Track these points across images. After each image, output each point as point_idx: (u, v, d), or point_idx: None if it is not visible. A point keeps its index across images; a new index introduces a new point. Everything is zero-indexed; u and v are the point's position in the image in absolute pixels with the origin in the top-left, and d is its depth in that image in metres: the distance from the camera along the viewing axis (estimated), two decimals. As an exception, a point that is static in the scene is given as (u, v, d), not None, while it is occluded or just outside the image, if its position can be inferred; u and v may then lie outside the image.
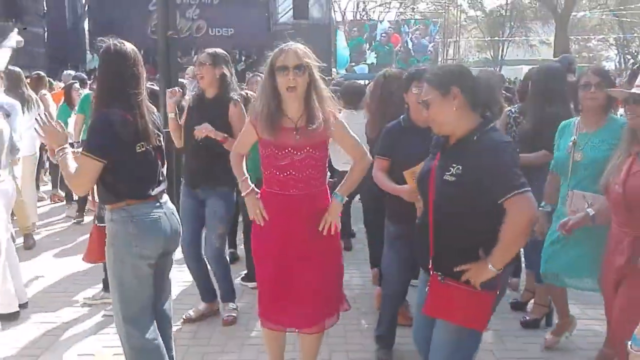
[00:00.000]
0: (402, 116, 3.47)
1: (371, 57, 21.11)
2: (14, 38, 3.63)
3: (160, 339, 2.96)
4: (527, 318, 4.23)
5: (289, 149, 2.88)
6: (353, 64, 21.10)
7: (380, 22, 22.86)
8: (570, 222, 3.08)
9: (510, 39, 36.78)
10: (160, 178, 2.97)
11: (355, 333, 4.15)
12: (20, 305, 4.33)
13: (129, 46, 2.87)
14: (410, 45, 21.46)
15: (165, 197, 3.00)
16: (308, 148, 2.89)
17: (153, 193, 2.87)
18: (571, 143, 3.43)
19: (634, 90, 2.71)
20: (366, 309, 4.54)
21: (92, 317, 4.35)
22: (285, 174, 2.91)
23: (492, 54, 40.11)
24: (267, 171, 2.97)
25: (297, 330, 3.18)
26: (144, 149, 2.82)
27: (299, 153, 2.88)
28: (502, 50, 38.07)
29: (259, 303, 3.16)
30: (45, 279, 5.19)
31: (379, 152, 3.44)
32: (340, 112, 4.36)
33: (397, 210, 3.39)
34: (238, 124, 3.82)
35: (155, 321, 2.98)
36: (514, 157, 2.42)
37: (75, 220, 7.05)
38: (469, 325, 2.47)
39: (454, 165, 2.40)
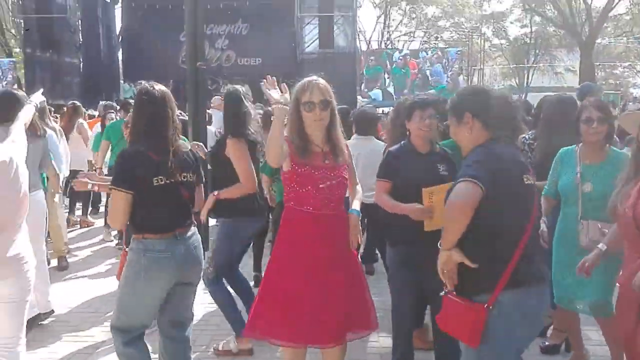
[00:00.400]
0: (402, 142, 3.59)
1: (390, 86, 21.40)
2: (38, 98, 3.85)
3: (142, 354, 3.14)
4: (547, 343, 4.21)
5: (323, 169, 3.03)
6: (366, 89, 21.40)
7: (400, 50, 23.01)
8: (587, 264, 3.05)
9: (535, 65, 36.71)
10: (184, 212, 3.12)
11: (375, 356, 4.20)
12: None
13: (159, 89, 3.05)
14: (427, 72, 21.58)
15: (190, 231, 3.14)
16: (337, 172, 3.07)
17: (172, 228, 3.03)
18: (578, 175, 3.49)
19: None
20: (387, 332, 4.56)
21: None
22: (322, 194, 3.03)
23: (517, 81, 40.04)
24: (303, 189, 3.05)
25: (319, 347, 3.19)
26: (162, 182, 2.96)
27: (332, 175, 3.05)
28: (527, 78, 37.98)
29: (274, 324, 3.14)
30: (77, 299, 5.34)
31: (381, 175, 3.53)
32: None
33: (401, 235, 3.48)
34: (234, 158, 3.92)
35: (143, 337, 3.19)
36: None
37: (116, 245, 7.22)
38: (464, 341, 2.54)
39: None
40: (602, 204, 3.22)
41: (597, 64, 30.00)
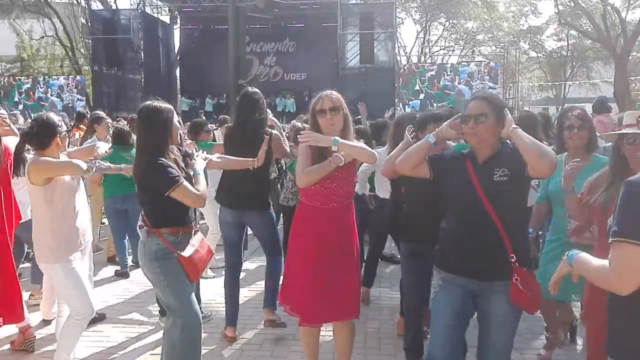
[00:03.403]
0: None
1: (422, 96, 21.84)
2: (104, 147, 4.13)
3: None
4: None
5: (335, 171, 3.25)
6: (407, 100, 21.77)
7: (431, 67, 23.43)
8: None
9: (570, 82, 35.94)
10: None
11: (388, 347, 4.34)
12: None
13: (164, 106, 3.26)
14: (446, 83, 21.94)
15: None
16: (344, 171, 3.29)
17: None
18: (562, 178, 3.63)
19: (624, 130, 2.87)
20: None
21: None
22: (328, 190, 3.30)
23: (554, 92, 39.20)
24: (312, 187, 3.31)
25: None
26: None
27: (339, 175, 3.29)
28: (564, 90, 37.15)
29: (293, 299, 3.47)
30: (129, 292, 5.71)
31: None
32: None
33: (412, 228, 3.67)
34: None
35: None
36: None
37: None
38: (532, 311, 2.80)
39: (498, 169, 2.67)
40: None
41: (632, 78, 29.14)
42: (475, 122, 2.68)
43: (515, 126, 2.68)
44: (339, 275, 3.32)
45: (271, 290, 4.43)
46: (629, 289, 1.76)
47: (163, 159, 3.11)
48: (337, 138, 3.18)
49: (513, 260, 2.65)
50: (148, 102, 3.25)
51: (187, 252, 3.20)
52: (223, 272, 4.60)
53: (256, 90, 4.42)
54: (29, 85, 23.75)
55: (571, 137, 3.62)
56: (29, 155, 3.59)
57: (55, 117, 3.62)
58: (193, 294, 3.32)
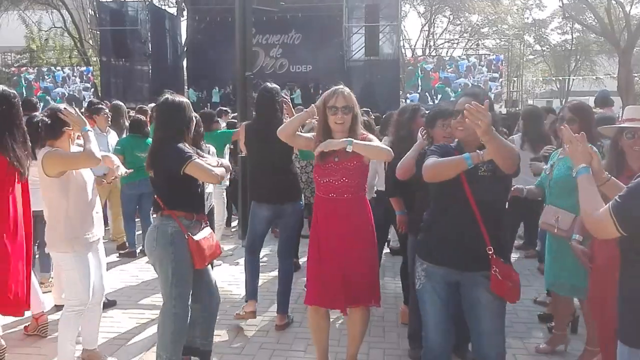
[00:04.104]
0: (426, 147, 3.76)
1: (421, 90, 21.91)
2: (122, 170, 4.19)
3: None
4: (553, 324, 4.33)
5: (341, 162, 3.32)
6: (407, 94, 21.92)
7: (432, 59, 23.45)
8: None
9: (574, 77, 35.80)
10: None
11: (392, 334, 4.39)
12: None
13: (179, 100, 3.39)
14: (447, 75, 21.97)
15: None
16: (353, 164, 3.32)
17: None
18: (549, 166, 3.70)
19: (624, 124, 2.89)
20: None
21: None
22: (325, 180, 3.36)
23: (558, 85, 39.05)
24: (324, 180, 3.38)
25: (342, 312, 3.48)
26: None
27: (350, 166, 3.33)
28: (568, 83, 37.01)
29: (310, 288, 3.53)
30: (138, 279, 5.78)
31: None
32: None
33: (419, 221, 3.68)
34: None
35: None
36: None
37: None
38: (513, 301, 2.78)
39: (482, 164, 2.66)
40: (557, 191, 3.56)
41: (637, 75, 28.98)
42: (463, 117, 2.68)
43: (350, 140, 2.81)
44: (352, 264, 3.33)
45: (282, 294, 4.51)
46: (594, 234, 2.17)
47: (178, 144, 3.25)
48: (351, 139, 3.20)
49: (491, 252, 2.71)
50: (167, 96, 3.35)
51: (197, 237, 3.31)
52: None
53: (275, 85, 4.49)
54: (33, 77, 23.86)
55: (560, 129, 3.63)
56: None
57: (69, 108, 3.64)
58: (190, 288, 3.40)
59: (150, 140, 6.17)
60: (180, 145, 3.25)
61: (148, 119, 8.65)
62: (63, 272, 3.80)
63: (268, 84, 4.54)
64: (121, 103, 7.62)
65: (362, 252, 3.39)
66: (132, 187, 6.26)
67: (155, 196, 3.37)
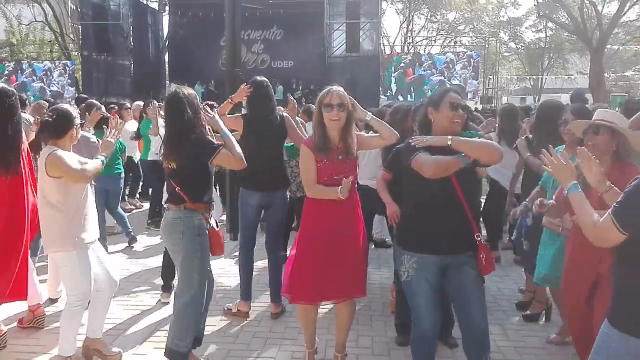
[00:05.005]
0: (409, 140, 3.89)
1: (394, 87, 22.00)
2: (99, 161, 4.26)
3: None
4: (528, 312, 4.53)
5: (340, 163, 3.41)
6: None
7: (406, 57, 23.63)
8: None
9: (547, 76, 36.33)
10: None
11: (379, 323, 4.53)
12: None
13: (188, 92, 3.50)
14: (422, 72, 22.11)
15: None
16: (349, 165, 3.43)
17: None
18: None
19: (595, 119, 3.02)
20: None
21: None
22: (336, 183, 3.38)
23: (532, 83, 39.62)
24: (321, 180, 3.42)
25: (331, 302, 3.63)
26: None
27: (345, 168, 3.41)
28: (542, 80, 37.58)
29: (296, 285, 3.53)
30: (129, 272, 5.83)
31: (386, 166, 3.96)
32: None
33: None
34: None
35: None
36: None
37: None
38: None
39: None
40: None
41: (608, 73, 29.54)
42: (462, 112, 2.96)
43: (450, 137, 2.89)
44: (341, 258, 3.41)
45: (274, 286, 4.60)
46: (597, 244, 2.21)
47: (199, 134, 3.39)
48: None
49: (479, 239, 2.98)
50: (176, 89, 3.45)
51: (216, 226, 3.53)
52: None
53: (264, 79, 4.60)
54: (10, 69, 23.43)
55: (565, 133, 3.77)
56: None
57: (72, 109, 3.69)
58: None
59: (121, 140, 6.18)
60: (206, 136, 3.40)
61: (137, 116, 8.66)
62: (62, 273, 3.81)
63: (258, 77, 4.64)
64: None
65: (354, 247, 3.49)
66: (100, 181, 5.88)
67: (178, 189, 3.42)
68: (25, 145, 3.93)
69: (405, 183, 3.14)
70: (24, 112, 4.98)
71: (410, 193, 3.14)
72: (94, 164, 3.59)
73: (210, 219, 3.55)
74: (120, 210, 6.72)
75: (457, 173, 2.88)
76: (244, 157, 3.48)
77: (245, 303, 4.63)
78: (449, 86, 21.23)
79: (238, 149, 3.48)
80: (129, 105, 9.44)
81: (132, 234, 6.79)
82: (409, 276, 3.05)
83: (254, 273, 4.73)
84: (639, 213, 2.05)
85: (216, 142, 3.41)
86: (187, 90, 3.46)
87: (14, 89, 3.79)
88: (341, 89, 3.45)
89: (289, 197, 4.79)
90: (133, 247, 6.73)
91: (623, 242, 2.10)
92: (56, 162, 3.44)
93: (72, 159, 3.50)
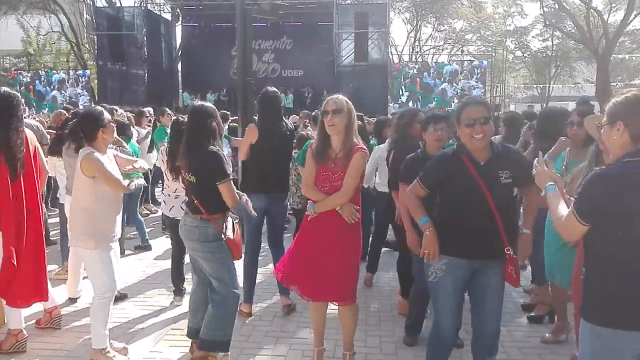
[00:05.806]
0: (419, 150, 3.94)
1: (404, 95, 22.12)
2: (141, 183, 4.44)
3: None
4: (533, 314, 4.59)
5: (329, 172, 3.47)
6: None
7: (413, 66, 23.79)
8: None
9: (554, 84, 36.25)
10: None
11: (387, 323, 4.59)
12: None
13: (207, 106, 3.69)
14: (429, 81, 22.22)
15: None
16: (340, 172, 3.44)
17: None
18: (564, 167, 3.84)
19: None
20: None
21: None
22: (325, 187, 3.48)
23: (538, 91, 39.51)
24: (319, 186, 3.51)
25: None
26: None
27: (335, 175, 3.46)
28: (549, 88, 37.47)
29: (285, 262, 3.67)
30: (145, 274, 5.93)
31: (400, 179, 3.86)
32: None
33: None
34: None
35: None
36: None
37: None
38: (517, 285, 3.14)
39: (501, 171, 2.94)
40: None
41: (614, 81, 29.40)
42: (482, 125, 2.89)
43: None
44: (332, 262, 3.44)
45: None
46: (565, 237, 2.43)
47: (219, 150, 3.52)
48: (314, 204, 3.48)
49: (509, 252, 2.97)
50: (198, 103, 3.67)
51: (231, 235, 3.60)
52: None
53: (275, 89, 4.72)
54: (28, 79, 23.77)
55: (571, 133, 3.82)
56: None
57: (96, 110, 3.83)
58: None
59: (133, 143, 6.36)
60: (223, 156, 3.51)
61: (150, 123, 8.82)
62: (88, 268, 3.92)
63: (269, 87, 4.74)
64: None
65: (345, 251, 3.49)
66: None
67: (196, 201, 3.55)
68: (31, 149, 3.93)
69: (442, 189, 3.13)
70: (33, 119, 5.11)
71: (444, 198, 3.14)
72: (118, 178, 3.79)
73: (227, 226, 3.61)
74: (139, 216, 6.90)
75: (491, 189, 2.92)
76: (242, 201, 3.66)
77: (247, 304, 4.71)
78: (457, 93, 21.53)
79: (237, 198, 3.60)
80: (168, 111, 9.35)
81: (148, 241, 6.89)
82: (436, 277, 3.09)
83: (266, 274, 4.81)
84: (593, 203, 2.14)
85: (229, 170, 3.53)
86: (208, 104, 3.68)
87: (16, 92, 3.91)
88: (341, 96, 3.51)
89: (288, 205, 4.88)
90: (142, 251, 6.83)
91: (588, 242, 2.22)
92: (90, 162, 3.64)
93: (105, 160, 3.71)
